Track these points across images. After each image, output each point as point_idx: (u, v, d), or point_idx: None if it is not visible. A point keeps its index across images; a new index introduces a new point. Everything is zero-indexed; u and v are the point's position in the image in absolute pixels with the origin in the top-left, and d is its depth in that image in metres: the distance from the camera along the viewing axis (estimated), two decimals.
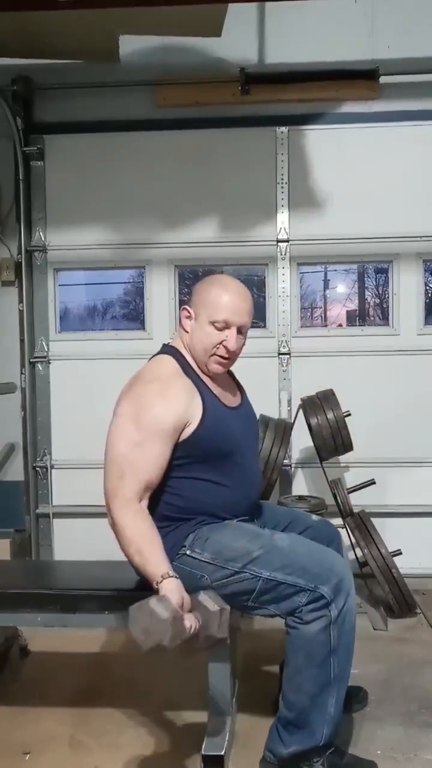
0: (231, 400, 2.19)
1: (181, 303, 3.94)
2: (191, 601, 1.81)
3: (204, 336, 2.07)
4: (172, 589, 1.80)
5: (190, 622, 1.76)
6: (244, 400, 2.28)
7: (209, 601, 1.80)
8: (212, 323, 2.05)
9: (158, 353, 2.18)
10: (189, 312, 2.13)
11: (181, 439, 1.99)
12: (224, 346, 2.06)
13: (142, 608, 1.71)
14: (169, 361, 2.10)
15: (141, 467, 1.94)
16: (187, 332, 2.12)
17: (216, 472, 2.05)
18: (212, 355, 2.08)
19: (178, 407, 1.99)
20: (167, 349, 2.17)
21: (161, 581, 1.81)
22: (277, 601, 1.93)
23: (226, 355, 2.08)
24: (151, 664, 2.71)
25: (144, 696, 2.48)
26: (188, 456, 2.01)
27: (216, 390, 2.13)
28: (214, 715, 2.12)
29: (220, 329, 2.05)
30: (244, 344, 2.13)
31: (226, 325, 2.05)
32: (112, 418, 2.04)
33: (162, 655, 1.72)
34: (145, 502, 1.96)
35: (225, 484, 2.06)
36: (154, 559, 1.85)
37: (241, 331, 2.09)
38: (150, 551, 1.86)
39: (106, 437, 2.03)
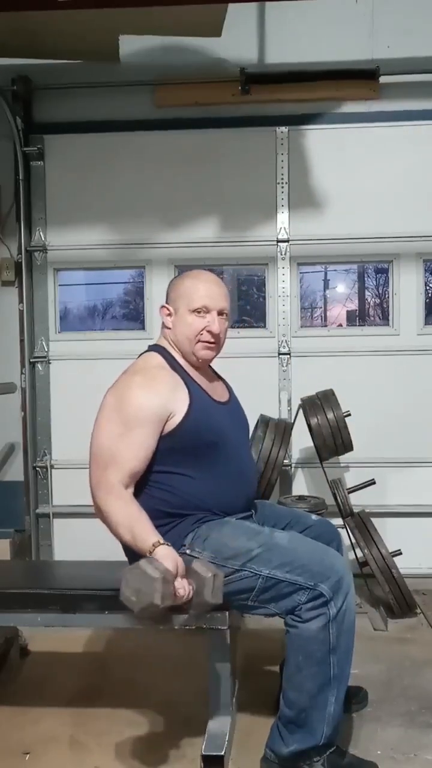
0: (219, 395, 2.22)
1: None
2: (185, 569, 1.88)
3: (186, 326, 2.12)
4: (165, 555, 1.85)
5: (184, 586, 1.84)
6: (232, 398, 2.31)
7: (202, 567, 1.87)
8: (192, 311, 2.11)
9: (144, 352, 2.22)
10: (168, 309, 2.17)
11: (166, 431, 2.02)
12: (208, 331, 2.11)
13: (133, 570, 1.80)
14: (154, 356, 2.15)
15: (124, 456, 1.97)
16: (169, 329, 2.16)
17: (206, 467, 2.06)
18: (198, 342, 2.12)
19: (161, 397, 2.02)
20: (152, 347, 2.21)
21: (153, 550, 1.86)
22: (276, 599, 1.93)
23: (212, 339, 2.12)
24: (151, 664, 2.72)
25: (144, 696, 2.48)
26: (176, 449, 2.03)
27: (204, 385, 2.16)
28: (214, 715, 2.12)
29: (201, 316, 2.11)
30: (227, 329, 2.18)
31: (206, 310, 2.11)
32: (100, 408, 2.08)
33: (155, 617, 1.81)
34: (131, 490, 1.98)
35: (217, 479, 2.07)
36: (143, 533, 1.90)
37: (221, 314, 2.14)
38: (139, 527, 1.91)
39: (93, 426, 2.06)
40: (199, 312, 2.11)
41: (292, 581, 1.91)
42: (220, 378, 2.32)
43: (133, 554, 1.95)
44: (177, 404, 2.03)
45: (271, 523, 2.20)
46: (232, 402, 2.30)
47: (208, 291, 2.13)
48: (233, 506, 2.11)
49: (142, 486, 2.03)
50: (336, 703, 1.91)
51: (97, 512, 1.99)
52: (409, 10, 3.65)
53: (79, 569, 2.65)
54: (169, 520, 2.03)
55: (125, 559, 2.18)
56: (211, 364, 2.27)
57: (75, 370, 3.89)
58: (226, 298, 2.17)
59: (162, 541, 1.88)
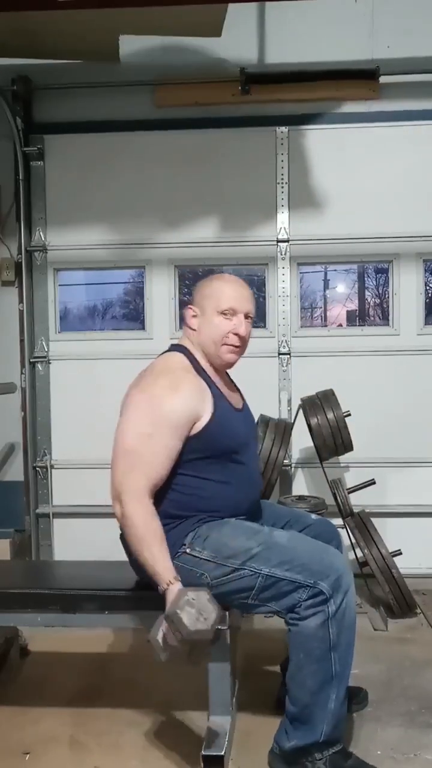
0: (235, 402, 2.22)
1: (182, 303, 3.95)
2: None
3: (213, 328, 2.10)
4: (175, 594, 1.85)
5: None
6: (245, 404, 2.31)
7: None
8: (220, 313, 2.09)
9: (168, 350, 2.20)
10: (194, 310, 2.15)
11: (191, 434, 2.00)
12: (235, 333, 2.10)
13: (200, 593, 1.83)
14: (179, 356, 2.13)
15: (151, 461, 1.95)
16: (194, 330, 2.14)
17: (221, 471, 2.06)
18: (224, 345, 2.10)
19: (190, 401, 2.01)
20: (175, 347, 2.18)
21: (167, 587, 1.86)
22: (277, 597, 1.94)
23: (238, 343, 2.11)
24: (151, 664, 2.71)
25: (144, 696, 2.48)
26: (196, 452, 2.02)
27: (224, 390, 2.15)
28: (214, 715, 2.12)
29: (228, 318, 2.09)
30: (250, 332, 2.17)
31: (234, 312, 2.10)
32: (122, 411, 2.05)
33: (193, 646, 1.82)
34: (152, 498, 1.97)
35: (229, 483, 2.07)
36: (164, 561, 1.89)
37: (248, 317, 2.13)
38: (161, 552, 1.90)
39: (116, 429, 2.03)
40: (226, 314, 2.09)
41: (291, 579, 1.91)
42: (234, 384, 2.31)
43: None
44: (203, 409, 2.02)
45: (271, 523, 2.20)
46: (245, 409, 2.30)
47: (235, 293, 2.12)
48: (239, 510, 2.11)
49: None
50: (337, 701, 1.91)
51: (117, 511, 1.95)
52: (409, 10, 3.65)
53: (79, 569, 2.65)
54: (171, 519, 2.02)
55: (125, 559, 2.18)
56: None
57: (75, 370, 3.89)
58: (252, 302, 2.17)
59: (177, 578, 1.88)
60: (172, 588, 1.86)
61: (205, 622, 1.79)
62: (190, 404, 2.00)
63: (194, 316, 2.15)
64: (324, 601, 1.89)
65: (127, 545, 2.02)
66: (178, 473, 2.02)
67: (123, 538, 2.04)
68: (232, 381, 2.29)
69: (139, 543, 1.90)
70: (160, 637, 1.86)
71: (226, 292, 2.12)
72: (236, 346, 2.12)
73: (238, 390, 2.31)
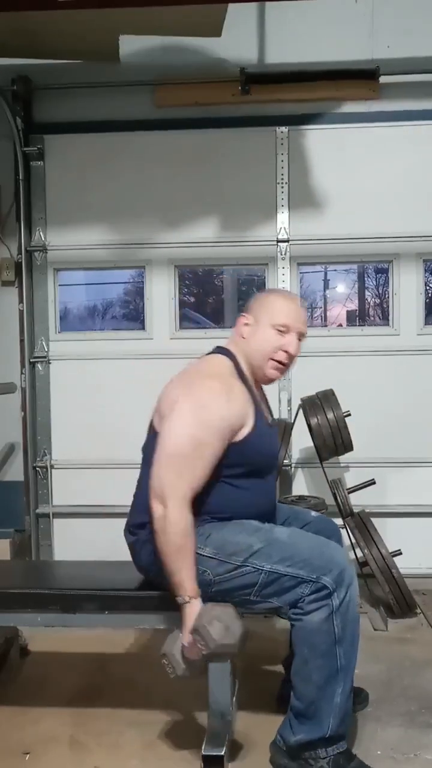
0: (268, 416, 2.22)
1: (182, 303, 3.95)
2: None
3: (264, 340, 2.09)
4: (195, 611, 1.89)
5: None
6: (273, 421, 2.31)
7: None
8: (274, 327, 2.08)
9: (214, 352, 2.18)
10: (248, 318, 2.14)
11: (232, 441, 2.00)
12: (284, 351, 2.09)
13: (226, 608, 1.90)
14: (227, 361, 2.11)
15: (199, 466, 1.94)
16: (244, 338, 2.13)
17: (241, 480, 2.05)
18: (270, 360, 2.10)
19: (240, 409, 2.01)
20: (222, 351, 2.16)
21: (189, 600, 1.89)
22: (279, 593, 1.94)
23: (286, 360, 2.11)
24: (151, 664, 2.71)
25: (144, 696, 2.48)
26: (231, 458, 2.00)
27: (261, 403, 2.15)
28: (214, 715, 2.12)
29: (281, 333, 2.08)
30: (298, 353, 2.15)
31: (287, 330, 2.09)
32: (167, 411, 2.01)
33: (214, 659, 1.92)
34: None
35: (249, 493, 2.07)
36: (192, 573, 1.90)
37: (300, 337, 2.12)
38: (190, 563, 1.91)
39: (164, 429, 1.99)
40: (279, 329, 2.08)
41: (294, 575, 1.92)
42: (266, 398, 2.30)
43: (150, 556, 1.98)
44: (247, 419, 2.03)
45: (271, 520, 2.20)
46: (275, 425, 2.30)
47: (293, 311, 2.12)
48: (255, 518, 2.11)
49: None
50: (343, 695, 1.92)
51: (158, 515, 1.91)
52: (409, 10, 3.65)
53: (79, 569, 2.65)
54: None
55: (125, 559, 2.18)
56: None
57: (75, 370, 3.89)
58: (306, 324, 2.16)
59: (198, 595, 1.90)
60: (194, 602, 1.89)
61: (233, 636, 1.85)
62: (238, 413, 2.00)
63: (247, 324, 2.14)
64: (328, 595, 1.90)
65: (137, 544, 2.01)
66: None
67: (137, 541, 2.07)
68: (264, 395, 2.27)
69: (173, 549, 1.89)
70: (176, 651, 1.90)
71: (284, 308, 2.11)
72: (283, 364, 2.11)
73: (269, 405, 2.31)
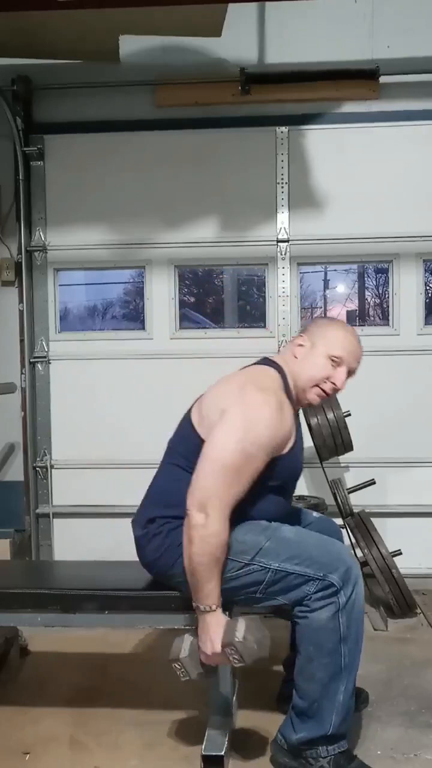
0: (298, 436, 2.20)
1: (182, 303, 3.95)
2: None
3: (315, 366, 2.08)
4: (217, 622, 1.89)
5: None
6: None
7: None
8: (329, 356, 2.07)
9: (264, 364, 2.15)
10: (304, 340, 2.13)
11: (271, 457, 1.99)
12: (332, 382, 2.08)
13: (257, 621, 1.92)
14: (278, 376, 2.08)
15: (245, 480, 1.92)
16: (296, 358, 2.12)
17: (268, 495, 2.04)
18: (315, 386, 2.09)
19: (288, 427, 2.00)
20: (272, 364, 2.13)
21: (210, 609, 1.89)
22: (285, 591, 1.95)
23: (330, 392, 2.10)
24: (151, 664, 2.72)
25: (144, 696, 2.48)
26: (262, 473, 1.97)
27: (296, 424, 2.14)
28: (214, 715, 2.12)
29: (333, 365, 2.07)
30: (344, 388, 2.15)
31: (341, 363, 2.08)
32: (222, 417, 1.95)
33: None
34: None
35: (270, 506, 2.05)
36: (218, 584, 1.90)
37: (350, 373, 2.12)
38: (219, 575, 1.90)
39: (213, 434, 1.94)
40: (333, 360, 2.07)
41: (301, 573, 1.92)
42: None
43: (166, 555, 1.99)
44: (290, 438, 2.02)
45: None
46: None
47: (351, 346, 2.10)
48: None
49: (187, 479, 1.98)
50: (345, 693, 1.92)
51: (198, 523, 1.87)
52: (409, 10, 3.66)
53: (79, 569, 2.65)
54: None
55: (125, 559, 2.18)
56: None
57: (75, 370, 3.89)
58: (359, 363, 2.14)
59: (219, 606, 1.90)
60: (217, 612, 1.89)
61: (265, 649, 1.87)
62: (286, 431, 1.99)
63: (301, 345, 2.12)
64: (334, 593, 1.90)
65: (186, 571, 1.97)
66: None
67: (145, 534, 2.06)
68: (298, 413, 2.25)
69: (209, 560, 1.87)
70: (190, 656, 1.92)
71: (344, 342, 2.10)
72: (326, 394, 2.11)
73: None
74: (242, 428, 1.92)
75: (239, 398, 1.97)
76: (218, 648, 1.88)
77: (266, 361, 2.15)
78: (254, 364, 2.17)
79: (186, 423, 2.11)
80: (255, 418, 1.93)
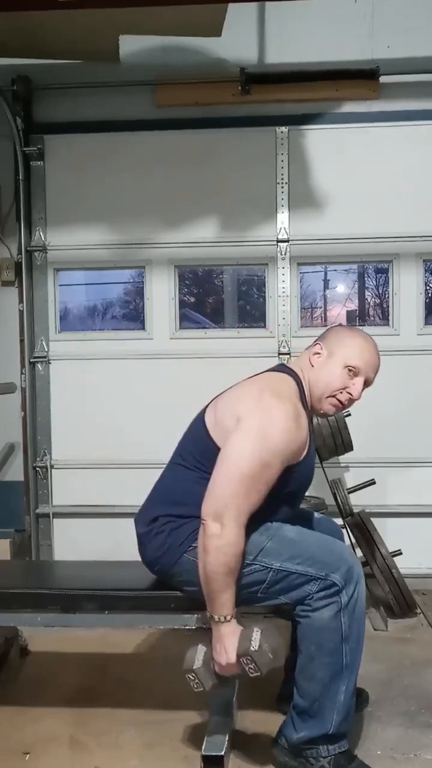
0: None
1: (182, 303, 3.95)
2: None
3: (332, 376, 2.06)
4: (231, 632, 1.89)
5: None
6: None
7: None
8: (346, 366, 2.05)
9: (280, 371, 2.13)
10: (321, 348, 2.11)
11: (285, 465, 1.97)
12: (348, 393, 2.06)
13: (273, 630, 1.92)
14: (294, 385, 2.06)
15: (262, 489, 1.90)
16: (313, 366, 2.10)
17: (277, 503, 2.02)
18: (331, 397, 2.06)
19: (304, 437, 1.99)
20: (289, 371, 2.11)
21: (223, 620, 1.88)
22: (287, 590, 1.94)
23: (346, 402, 2.08)
24: (151, 664, 2.72)
25: (144, 696, 2.48)
26: (278, 480, 1.96)
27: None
28: (214, 715, 2.12)
29: (350, 375, 2.06)
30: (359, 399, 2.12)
31: (358, 373, 2.06)
32: (239, 424, 1.93)
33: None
34: None
35: (273, 517, 2.04)
36: (233, 593, 1.89)
37: (366, 384, 2.10)
38: (234, 585, 1.89)
39: (230, 442, 1.92)
40: (351, 370, 2.06)
41: (303, 572, 1.92)
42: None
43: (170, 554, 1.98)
44: (304, 448, 2.01)
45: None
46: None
47: (370, 357, 2.08)
48: None
49: (200, 480, 1.97)
50: (346, 692, 1.92)
51: (214, 533, 1.85)
52: (409, 10, 3.65)
53: (79, 569, 2.65)
54: (191, 515, 1.97)
55: (125, 559, 2.18)
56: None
57: (75, 370, 3.89)
58: (376, 374, 2.12)
59: (233, 616, 1.89)
60: (232, 623, 1.88)
61: (280, 658, 1.90)
62: (303, 440, 1.98)
63: (318, 354, 2.10)
64: (336, 593, 1.90)
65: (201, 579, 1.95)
66: None
67: (148, 532, 2.05)
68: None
69: (225, 570, 1.86)
70: (204, 666, 1.93)
71: (363, 352, 2.07)
72: (342, 404, 2.08)
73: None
74: (259, 437, 1.90)
75: (256, 405, 1.95)
76: (233, 658, 1.88)
77: (282, 368, 2.14)
78: (270, 370, 2.16)
79: (199, 424, 2.09)
80: (272, 426, 1.91)
